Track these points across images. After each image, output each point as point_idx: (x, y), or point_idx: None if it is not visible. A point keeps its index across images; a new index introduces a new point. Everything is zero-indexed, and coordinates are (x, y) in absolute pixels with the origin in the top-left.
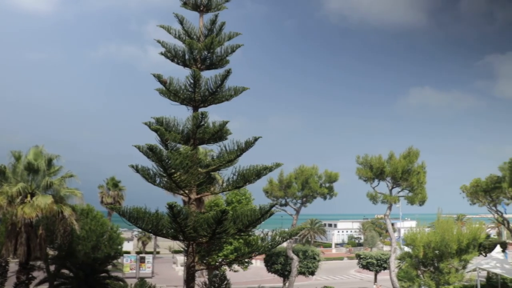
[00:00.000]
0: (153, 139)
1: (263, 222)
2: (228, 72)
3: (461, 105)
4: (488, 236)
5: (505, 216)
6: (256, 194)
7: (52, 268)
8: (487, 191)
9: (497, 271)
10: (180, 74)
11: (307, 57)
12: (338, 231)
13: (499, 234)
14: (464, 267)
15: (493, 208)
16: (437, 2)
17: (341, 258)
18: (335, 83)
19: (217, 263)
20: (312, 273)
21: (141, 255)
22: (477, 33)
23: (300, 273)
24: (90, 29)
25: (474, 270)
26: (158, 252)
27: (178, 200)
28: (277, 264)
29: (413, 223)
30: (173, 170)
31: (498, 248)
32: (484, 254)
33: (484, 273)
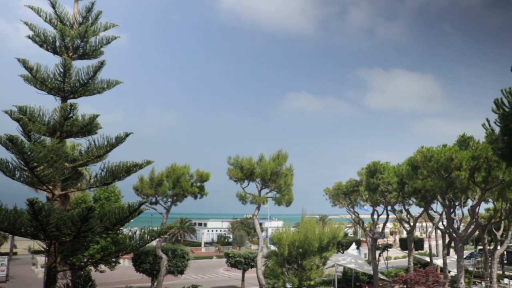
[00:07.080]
0: (15, 129)
1: (132, 221)
2: (102, 64)
3: (334, 112)
4: (345, 235)
5: (361, 216)
6: (126, 192)
7: None
8: (346, 194)
9: (352, 266)
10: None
11: (191, 53)
12: (208, 230)
13: (355, 233)
14: (324, 264)
15: (351, 209)
16: (327, 14)
17: (210, 257)
18: (217, 82)
19: (82, 263)
20: (181, 272)
21: None
22: (354, 46)
23: (169, 272)
24: None
25: (333, 266)
26: (15, 253)
27: (42, 196)
28: (146, 263)
29: (280, 223)
30: (35, 164)
31: (353, 246)
32: (341, 251)
33: (341, 269)
